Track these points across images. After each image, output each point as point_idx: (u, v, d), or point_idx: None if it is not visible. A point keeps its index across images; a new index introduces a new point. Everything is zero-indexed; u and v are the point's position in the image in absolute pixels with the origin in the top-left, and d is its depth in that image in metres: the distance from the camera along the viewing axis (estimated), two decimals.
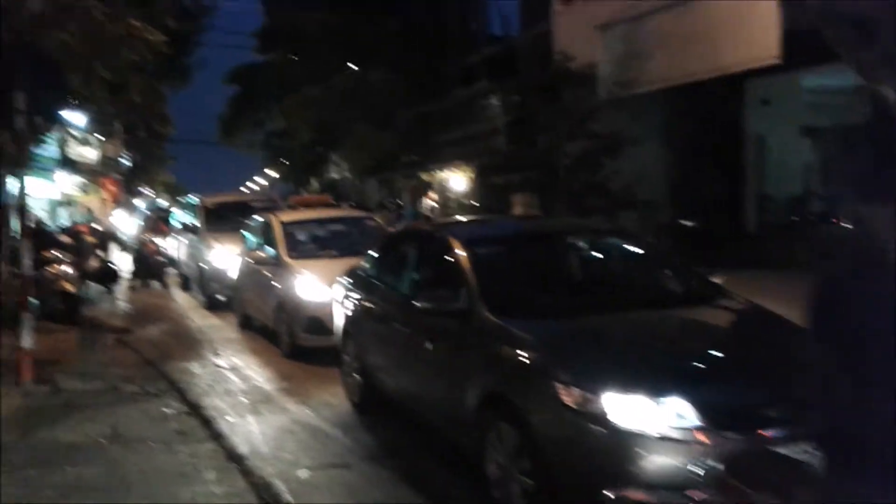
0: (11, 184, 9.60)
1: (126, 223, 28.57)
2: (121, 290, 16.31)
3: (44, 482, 5.41)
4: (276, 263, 10.04)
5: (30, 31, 10.74)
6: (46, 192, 23.08)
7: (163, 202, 43.76)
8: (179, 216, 18.82)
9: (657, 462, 3.83)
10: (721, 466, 3.78)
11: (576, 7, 16.48)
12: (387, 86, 24.69)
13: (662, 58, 13.36)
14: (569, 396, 4.03)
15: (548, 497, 4.08)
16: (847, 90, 10.77)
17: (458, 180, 23.39)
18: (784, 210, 14.71)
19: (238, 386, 8.17)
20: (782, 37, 11.02)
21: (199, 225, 15.35)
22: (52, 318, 11.83)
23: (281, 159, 37.78)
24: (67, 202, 28.14)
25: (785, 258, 11.72)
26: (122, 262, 19.02)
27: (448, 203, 23.82)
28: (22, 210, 8.63)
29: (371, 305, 6.84)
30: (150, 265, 17.15)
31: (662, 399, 3.89)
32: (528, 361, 4.46)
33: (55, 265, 12.36)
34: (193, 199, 17.20)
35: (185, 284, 16.76)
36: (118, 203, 33.70)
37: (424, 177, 25.45)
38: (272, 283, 9.89)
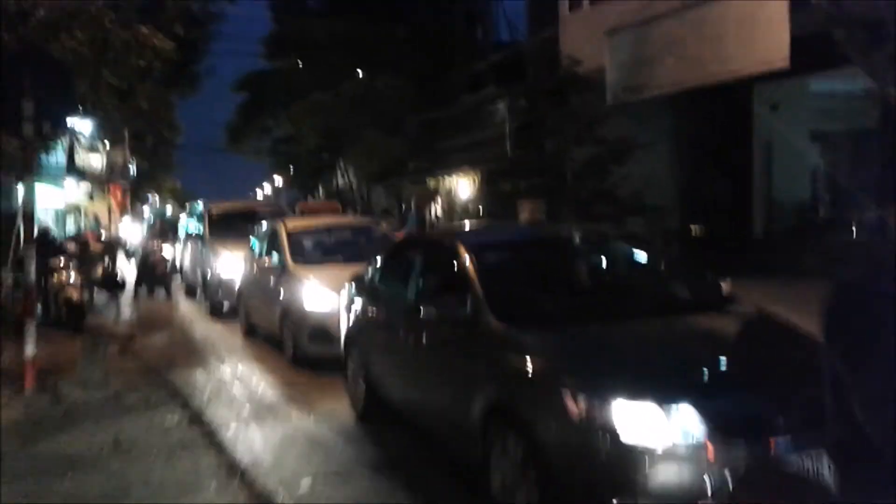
0: (19, 191, 9.61)
1: (132, 231, 28.64)
2: (126, 297, 16.30)
3: (44, 492, 5.38)
4: (281, 271, 9.99)
5: (38, 38, 10.78)
6: (54, 200, 23.15)
7: (169, 209, 43.84)
8: (185, 223, 18.81)
9: (666, 472, 3.75)
10: (730, 477, 3.71)
11: (583, 12, 16.44)
12: (394, 92, 24.69)
13: (670, 63, 13.29)
14: (576, 404, 3.96)
15: None
16: (856, 95, 10.71)
17: (464, 186, 23.35)
18: (792, 215, 14.63)
19: (242, 395, 8.11)
20: (791, 41, 10.94)
21: (204, 232, 15.33)
22: (57, 325, 11.84)
23: (289, 166, 37.85)
24: (74, 210, 28.23)
25: (793, 264, 11.67)
26: (128, 270, 19.03)
27: (455, 209, 23.78)
28: (28, 218, 8.62)
29: (375, 313, 6.78)
30: (155, 273, 17.13)
31: (671, 407, 3.81)
32: (534, 369, 4.38)
33: (61, 273, 12.36)
34: (199, 206, 17.18)
35: (191, 292, 16.74)
36: (125, 210, 33.79)
37: (431, 183, 25.43)
38: (277, 290, 9.83)
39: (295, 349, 9.20)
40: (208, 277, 14.38)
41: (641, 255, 6.25)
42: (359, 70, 25.90)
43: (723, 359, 4.48)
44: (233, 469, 5.68)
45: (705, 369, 4.30)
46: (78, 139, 24.81)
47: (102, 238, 19.50)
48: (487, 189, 20.54)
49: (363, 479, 5.44)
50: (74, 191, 26.22)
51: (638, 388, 3.93)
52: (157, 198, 53.36)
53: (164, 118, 28.10)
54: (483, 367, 4.81)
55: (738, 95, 13.61)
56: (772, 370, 4.25)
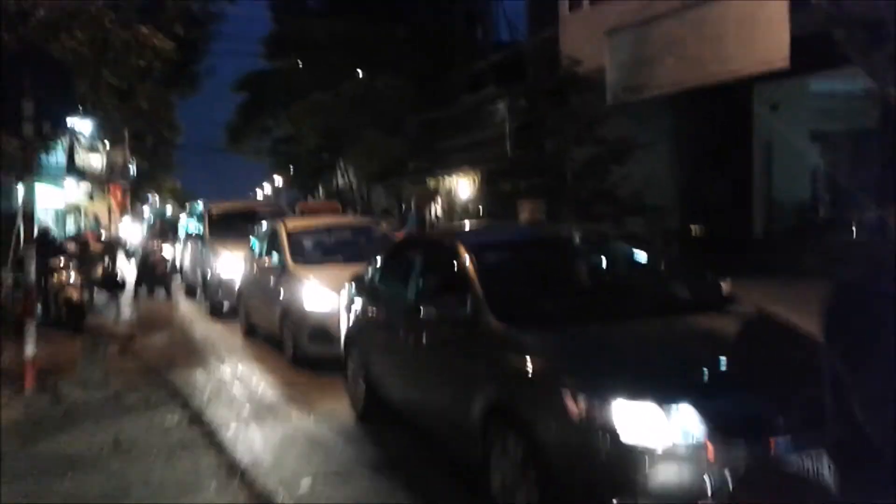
0: (19, 191, 9.62)
1: (132, 231, 28.63)
2: (126, 297, 16.29)
3: (44, 492, 5.38)
4: (281, 270, 9.99)
5: (38, 38, 10.77)
6: (54, 200, 23.16)
7: (169, 209, 43.84)
8: (185, 223, 18.81)
9: (666, 472, 3.75)
10: (730, 477, 3.71)
11: (583, 12, 16.44)
12: (394, 92, 24.70)
13: (670, 63, 13.28)
14: (576, 404, 3.96)
15: None
16: (856, 95, 10.71)
17: (464, 186, 23.36)
18: (792, 215, 14.63)
19: (242, 394, 8.11)
20: (791, 41, 10.94)
21: (204, 232, 15.33)
22: (57, 325, 11.84)
23: (289, 166, 37.86)
24: (74, 210, 28.23)
25: (793, 264, 11.67)
26: (128, 270, 19.03)
27: (455, 209, 23.79)
28: (28, 218, 8.61)
29: (375, 313, 6.78)
30: (155, 273, 17.12)
31: (671, 407, 3.81)
32: (534, 369, 4.38)
33: (61, 273, 12.36)
34: (199, 206, 17.18)
35: (191, 292, 16.73)
36: (125, 210, 33.79)
37: (431, 183, 25.44)
38: (277, 290, 9.83)
39: (295, 349, 9.20)
40: (208, 277, 14.38)
41: (641, 255, 6.25)
42: (359, 70, 25.90)
43: (723, 359, 4.48)
44: (233, 469, 5.68)
45: (705, 369, 4.30)
46: (78, 139, 24.81)
47: (102, 238, 19.49)
48: (487, 189, 20.55)
49: (363, 479, 5.44)
50: (74, 191, 26.22)
51: (638, 388, 3.93)
52: (157, 198, 53.36)
53: (164, 118, 28.10)
54: (483, 367, 4.81)
55: (738, 95, 13.61)
56: (772, 370, 4.25)
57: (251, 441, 6.43)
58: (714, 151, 14.76)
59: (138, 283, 17.48)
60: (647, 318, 5.02)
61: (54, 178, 20.91)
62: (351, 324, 7.22)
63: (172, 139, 35.56)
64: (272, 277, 10.18)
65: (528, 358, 4.45)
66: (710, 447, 3.74)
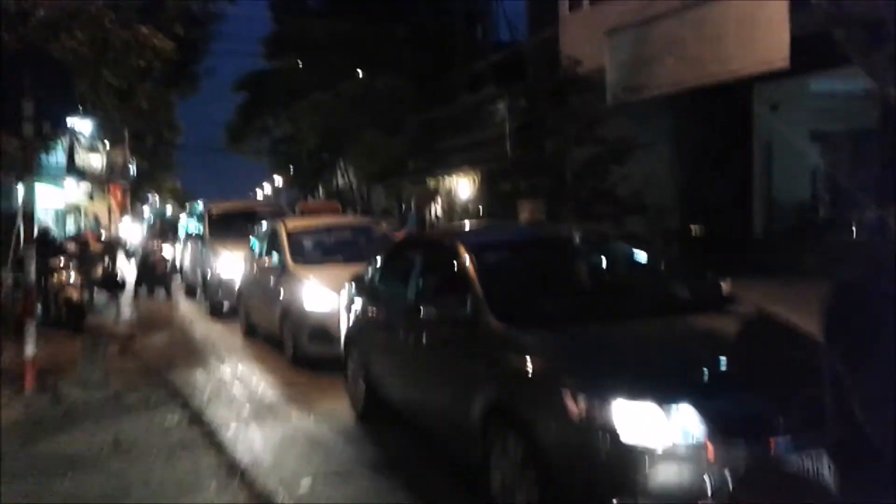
0: (19, 191, 9.62)
1: (132, 231, 28.62)
2: (126, 297, 16.29)
3: (44, 492, 5.38)
4: (281, 270, 9.99)
5: (38, 38, 10.77)
6: (54, 200, 23.16)
7: (169, 209, 43.84)
8: (185, 223, 18.81)
9: (666, 472, 3.75)
10: (730, 477, 3.71)
11: (583, 12, 16.44)
12: (394, 92, 24.71)
13: (670, 63, 13.28)
14: (576, 404, 3.96)
15: None
16: (856, 95, 10.71)
17: (464, 186, 23.36)
18: (792, 215, 14.63)
19: (242, 394, 8.11)
20: (791, 41, 10.94)
21: (204, 232, 15.32)
22: (57, 325, 11.84)
23: (289, 166, 37.86)
24: (74, 210, 28.23)
25: (792, 264, 11.68)
26: (128, 270, 19.02)
27: (455, 209, 23.79)
28: (28, 217, 8.61)
29: (375, 313, 6.77)
30: (155, 273, 17.12)
31: (671, 407, 3.81)
32: (534, 369, 4.38)
33: (61, 273, 12.36)
34: (199, 205, 17.18)
35: (191, 292, 16.73)
36: (125, 210, 33.78)
37: (431, 183, 25.44)
38: (277, 290, 9.83)
39: (295, 349, 9.19)
40: (208, 277, 14.38)
41: (641, 255, 6.25)
42: (359, 70, 25.90)
43: (723, 359, 4.47)
44: (233, 469, 5.68)
45: (705, 369, 4.30)
46: (78, 139, 24.81)
47: (102, 238, 19.48)
48: (487, 189, 20.55)
49: (363, 479, 5.44)
50: (74, 191, 26.22)
51: (638, 388, 3.93)
52: (157, 198, 53.36)
53: (164, 118, 28.10)
54: (483, 367, 4.81)
55: (738, 95, 13.60)
56: (772, 370, 4.25)
57: (251, 441, 6.43)
58: (714, 151, 14.76)
59: (138, 283, 17.48)
60: (647, 317, 5.02)
61: (54, 178, 20.91)
62: (351, 324, 7.22)
63: (172, 139, 35.57)
64: (272, 277, 10.18)
65: (528, 358, 4.45)
66: (710, 447, 3.74)
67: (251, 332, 11.36)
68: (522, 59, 19.47)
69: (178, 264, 18.29)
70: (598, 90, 14.26)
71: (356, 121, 25.10)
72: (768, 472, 3.82)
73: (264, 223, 11.95)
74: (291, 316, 9.29)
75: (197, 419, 7.04)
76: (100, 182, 30.32)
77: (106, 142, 29.85)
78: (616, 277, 6.28)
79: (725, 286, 5.45)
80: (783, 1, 11.10)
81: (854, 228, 11.38)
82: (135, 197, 41.11)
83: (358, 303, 7.12)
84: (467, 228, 9.15)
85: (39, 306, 11.32)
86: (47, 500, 5.25)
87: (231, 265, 13.07)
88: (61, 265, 12.55)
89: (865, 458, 2.52)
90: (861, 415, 2.45)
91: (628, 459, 3.77)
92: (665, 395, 3.88)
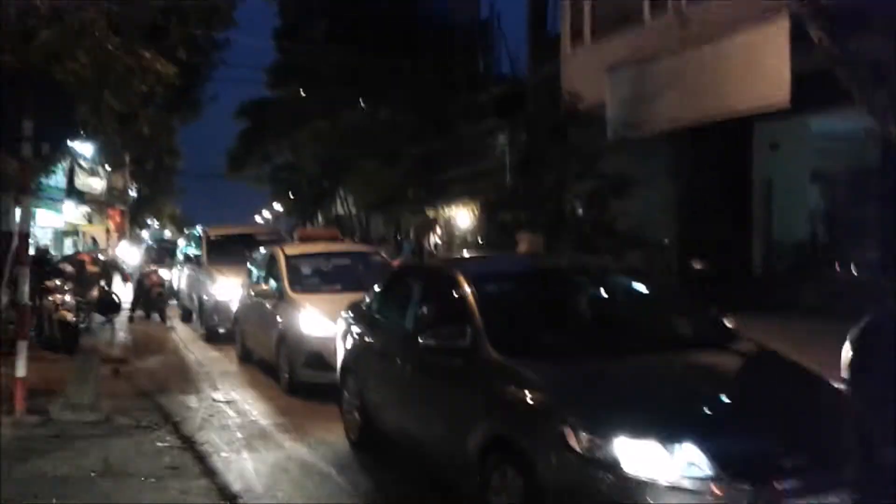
0: (16, 212, 9.56)
1: (130, 254, 28.51)
2: (121, 320, 16.17)
3: None
4: (278, 296, 9.92)
5: (39, 60, 10.78)
6: (52, 222, 23.13)
7: (168, 234, 43.80)
8: (183, 247, 18.75)
9: None
10: None
11: (584, 48, 16.55)
12: (395, 122, 24.84)
13: (671, 100, 13.34)
14: (577, 441, 3.89)
15: None
16: (856, 135, 10.73)
17: (463, 217, 23.38)
18: (792, 254, 14.62)
19: (234, 421, 8.01)
20: (792, 80, 10.98)
21: (201, 256, 15.27)
22: (50, 346, 11.72)
23: (289, 192, 37.95)
24: (72, 231, 28.19)
25: (791, 301, 11.63)
26: (124, 293, 18.90)
27: (454, 239, 23.79)
28: (24, 238, 8.54)
29: (373, 341, 6.71)
30: (151, 296, 17.03)
31: (675, 446, 3.74)
32: (534, 403, 4.31)
33: (56, 294, 12.27)
34: (198, 231, 17.14)
35: (186, 316, 16.63)
36: (123, 234, 33.74)
37: (430, 213, 25.47)
38: (274, 316, 9.76)
39: (291, 375, 9.10)
40: (205, 302, 14.29)
41: (643, 289, 6.21)
42: (360, 100, 26.07)
43: (727, 396, 4.41)
44: (224, 495, 5.58)
45: (709, 407, 4.23)
46: (78, 162, 24.82)
47: (99, 259, 19.38)
48: (487, 219, 20.55)
49: None
50: (73, 212, 26.20)
51: (641, 426, 3.86)
52: (156, 223, 53.36)
53: (165, 143, 28.13)
54: (481, 399, 4.74)
55: (738, 134, 13.64)
56: (778, 408, 4.19)
57: (243, 467, 6.33)
58: (714, 189, 14.77)
59: (134, 306, 17.37)
60: (650, 353, 4.95)
61: (53, 201, 20.89)
62: (347, 351, 7.15)
63: (173, 164, 35.64)
64: (269, 303, 10.11)
65: (527, 391, 4.38)
66: (715, 487, 3.67)
67: (247, 358, 11.25)
68: (523, 93, 19.58)
69: (175, 288, 18.20)
70: (599, 126, 14.31)
71: (356, 150, 25.19)
72: None
73: (262, 248, 11.90)
74: (288, 342, 9.21)
75: (189, 444, 6.93)
76: (99, 205, 30.31)
77: (106, 165, 29.88)
78: (618, 311, 6.20)
79: (730, 322, 5.40)
80: (784, 39, 11.16)
81: (854, 267, 11.35)
82: (133, 221, 41.09)
83: (355, 330, 7.05)
84: (467, 258, 9.11)
85: (33, 326, 11.20)
86: None
87: (228, 290, 12.99)
88: (57, 286, 12.46)
89: (890, 497, 2.45)
90: (886, 454, 2.40)
91: (630, 498, 3.70)
92: (669, 432, 3.81)
